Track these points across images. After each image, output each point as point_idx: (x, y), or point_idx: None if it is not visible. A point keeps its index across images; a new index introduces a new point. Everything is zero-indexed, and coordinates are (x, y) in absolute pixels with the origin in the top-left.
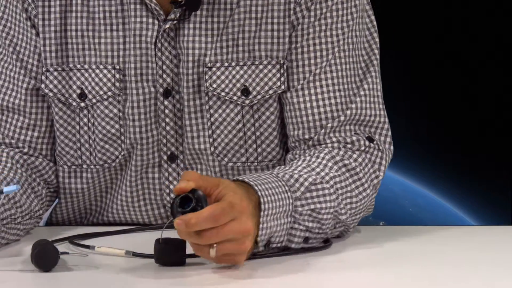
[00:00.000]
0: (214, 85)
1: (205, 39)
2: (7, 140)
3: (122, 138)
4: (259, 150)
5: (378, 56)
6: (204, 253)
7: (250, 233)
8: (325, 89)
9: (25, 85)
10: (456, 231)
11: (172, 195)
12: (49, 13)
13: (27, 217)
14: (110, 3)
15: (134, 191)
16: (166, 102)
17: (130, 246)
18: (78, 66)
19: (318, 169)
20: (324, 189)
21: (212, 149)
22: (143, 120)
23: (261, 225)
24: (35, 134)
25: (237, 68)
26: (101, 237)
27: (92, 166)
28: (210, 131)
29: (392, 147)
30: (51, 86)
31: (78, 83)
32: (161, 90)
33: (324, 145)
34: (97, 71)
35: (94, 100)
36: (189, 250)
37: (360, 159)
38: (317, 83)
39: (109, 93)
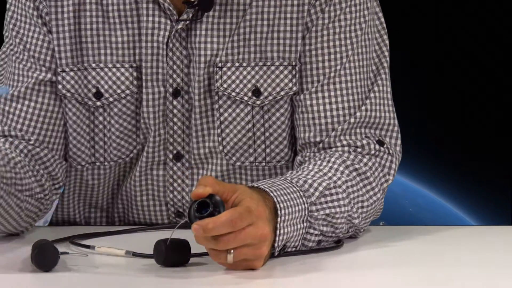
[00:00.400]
0: (225, 85)
1: (216, 40)
2: (13, 133)
3: (138, 132)
4: (267, 150)
5: (388, 59)
6: (221, 258)
7: (267, 238)
8: (338, 92)
9: (35, 75)
10: (456, 231)
11: (176, 193)
12: (62, 13)
13: (27, 193)
14: (124, 2)
15: (138, 187)
16: (175, 102)
17: (130, 246)
18: (93, 65)
19: (330, 174)
20: (338, 193)
21: (221, 148)
22: (151, 119)
23: (278, 231)
24: (44, 126)
25: (248, 68)
26: (101, 237)
27: (106, 163)
28: (219, 130)
29: (401, 149)
30: (68, 86)
31: (94, 82)
32: (170, 90)
33: (334, 149)
34: (114, 69)
35: (111, 99)
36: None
37: (370, 163)
38: (331, 86)
39: (127, 92)
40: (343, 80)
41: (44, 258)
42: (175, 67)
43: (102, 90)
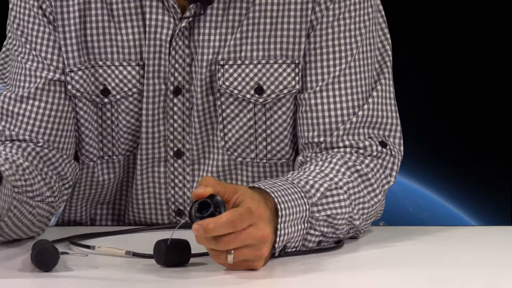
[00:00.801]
0: (227, 83)
1: (219, 37)
2: (21, 136)
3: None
4: (268, 148)
5: (391, 57)
6: (221, 259)
7: (268, 239)
8: (343, 91)
9: (44, 74)
10: (456, 231)
11: (177, 190)
12: (68, 13)
13: (38, 198)
14: (128, 0)
15: (140, 185)
16: (175, 100)
17: (130, 246)
18: (100, 62)
19: (331, 175)
20: (339, 194)
21: (223, 143)
22: (150, 116)
23: (279, 232)
24: (54, 126)
25: (251, 66)
26: (101, 237)
27: (114, 157)
28: (221, 126)
29: (402, 148)
30: (77, 86)
31: (101, 79)
32: (171, 88)
33: (336, 149)
34: (121, 68)
35: (118, 96)
36: (193, 250)
37: (372, 165)
38: (336, 86)
39: (134, 89)
40: (347, 79)
41: (44, 258)
42: (177, 65)
43: (109, 88)
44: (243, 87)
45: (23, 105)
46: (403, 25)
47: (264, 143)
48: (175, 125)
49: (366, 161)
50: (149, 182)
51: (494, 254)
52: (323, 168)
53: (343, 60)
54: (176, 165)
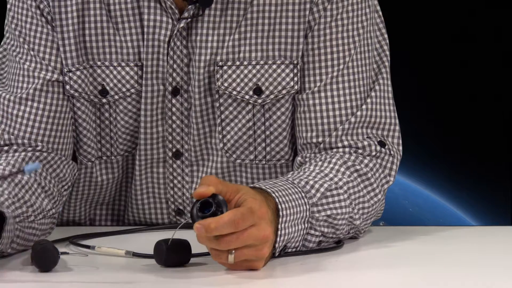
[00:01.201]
0: (226, 84)
1: (217, 38)
2: (19, 140)
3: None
4: (267, 149)
5: (388, 57)
6: (222, 259)
7: (269, 240)
8: (341, 92)
9: (42, 75)
10: (456, 231)
11: (176, 190)
12: (66, 13)
13: (40, 216)
14: (126, 1)
15: (138, 185)
16: (174, 101)
17: (130, 246)
18: (99, 63)
19: (331, 175)
20: (339, 194)
21: (221, 145)
22: (148, 117)
23: (279, 232)
24: (53, 127)
25: (250, 67)
26: (101, 237)
27: (112, 157)
28: (220, 128)
29: (401, 148)
30: (75, 86)
31: (100, 79)
32: (170, 88)
33: (335, 149)
34: (119, 68)
35: (116, 97)
36: (193, 250)
37: (371, 164)
38: (334, 86)
39: (132, 90)
40: (346, 79)
41: (44, 258)
42: (175, 66)
43: (108, 88)
44: (242, 88)
45: (22, 107)
46: (402, 25)
47: (263, 144)
48: (174, 125)
49: (365, 161)
50: (148, 182)
51: (494, 254)
52: (322, 168)
53: (341, 61)
54: (175, 165)
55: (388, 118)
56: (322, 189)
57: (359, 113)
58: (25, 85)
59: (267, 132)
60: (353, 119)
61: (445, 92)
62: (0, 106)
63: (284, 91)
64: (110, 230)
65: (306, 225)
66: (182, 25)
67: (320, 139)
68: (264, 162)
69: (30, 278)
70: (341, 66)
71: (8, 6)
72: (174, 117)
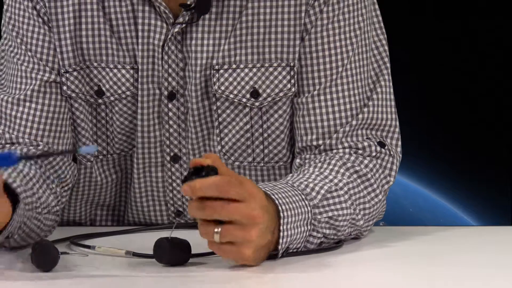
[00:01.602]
0: (223, 87)
1: (212, 42)
2: (21, 140)
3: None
4: (265, 151)
5: (388, 58)
6: (209, 235)
7: (258, 222)
8: (340, 94)
9: (40, 76)
10: (456, 231)
11: (175, 192)
12: (62, 13)
13: (45, 211)
14: (120, 4)
15: (137, 188)
16: (170, 105)
17: (130, 246)
18: (95, 64)
19: (331, 177)
20: (340, 196)
21: (219, 147)
22: (145, 121)
23: (281, 233)
24: (52, 127)
25: (246, 70)
26: (101, 237)
27: (108, 156)
28: (217, 130)
29: (401, 150)
30: (72, 87)
31: (96, 80)
32: (165, 92)
33: (335, 151)
34: (115, 70)
35: (112, 98)
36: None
37: (371, 165)
38: (333, 89)
39: (128, 92)
40: (344, 81)
41: (44, 258)
42: (170, 70)
43: (104, 89)
44: (239, 91)
45: (20, 108)
46: (401, 24)
47: (261, 147)
48: (171, 130)
49: (365, 161)
50: (147, 186)
51: (494, 254)
52: (322, 170)
53: (340, 63)
54: (173, 169)
55: (389, 120)
56: (322, 191)
57: (360, 115)
58: (23, 86)
59: (265, 135)
60: (354, 122)
61: (445, 92)
62: None
63: (281, 94)
64: (110, 230)
65: (309, 227)
66: (176, 30)
67: (320, 142)
68: (262, 164)
69: (30, 278)
70: (340, 69)
71: (5, 6)
72: (171, 122)
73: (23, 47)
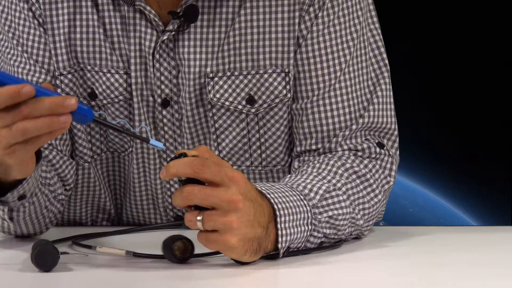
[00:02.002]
0: (218, 95)
1: (205, 50)
2: None
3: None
4: (263, 155)
5: (387, 61)
6: (193, 222)
7: (238, 207)
8: (339, 99)
9: (35, 79)
10: (456, 231)
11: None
12: (57, 16)
13: (53, 194)
14: (114, 9)
15: (138, 192)
16: (164, 112)
17: (130, 246)
18: (89, 67)
19: (329, 177)
20: (338, 196)
21: (217, 152)
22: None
23: (280, 232)
24: None
25: (241, 77)
26: (101, 237)
27: (102, 154)
28: (214, 136)
29: (398, 153)
30: (67, 89)
31: (89, 82)
32: (159, 100)
33: (334, 153)
34: (108, 75)
35: (105, 101)
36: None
37: (370, 166)
38: (332, 93)
39: (121, 97)
40: (343, 86)
41: (44, 258)
42: (163, 77)
43: (97, 92)
44: (234, 98)
45: None
46: (401, 24)
47: (259, 151)
48: (166, 136)
49: (365, 162)
50: (147, 190)
51: (493, 254)
52: (320, 170)
53: (337, 68)
54: None
55: (389, 124)
56: (320, 191)
57: (361, 120)
58: None
59: (262, 140)
60: (354, 126)
61: (445, 92)
62: None
63: (277, 100)
64: (111, 230)
65: (309, 227)
66: (165, 37)
67: (320, 145)
68: (260, 168)
69: (30, 278)
70: (338, 74)
71: (1, 8)
72: (166, 128)
73: (19, 48)
